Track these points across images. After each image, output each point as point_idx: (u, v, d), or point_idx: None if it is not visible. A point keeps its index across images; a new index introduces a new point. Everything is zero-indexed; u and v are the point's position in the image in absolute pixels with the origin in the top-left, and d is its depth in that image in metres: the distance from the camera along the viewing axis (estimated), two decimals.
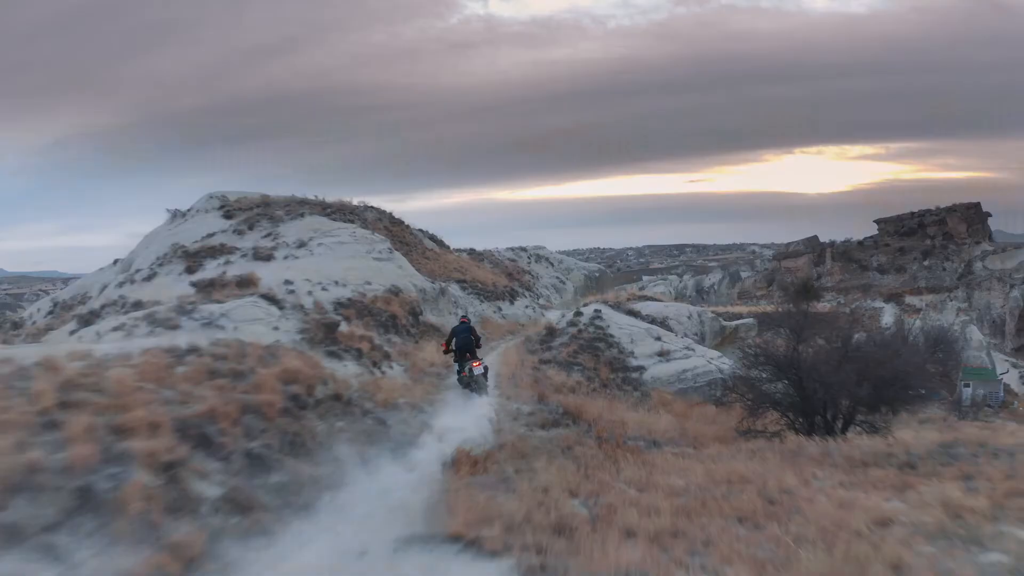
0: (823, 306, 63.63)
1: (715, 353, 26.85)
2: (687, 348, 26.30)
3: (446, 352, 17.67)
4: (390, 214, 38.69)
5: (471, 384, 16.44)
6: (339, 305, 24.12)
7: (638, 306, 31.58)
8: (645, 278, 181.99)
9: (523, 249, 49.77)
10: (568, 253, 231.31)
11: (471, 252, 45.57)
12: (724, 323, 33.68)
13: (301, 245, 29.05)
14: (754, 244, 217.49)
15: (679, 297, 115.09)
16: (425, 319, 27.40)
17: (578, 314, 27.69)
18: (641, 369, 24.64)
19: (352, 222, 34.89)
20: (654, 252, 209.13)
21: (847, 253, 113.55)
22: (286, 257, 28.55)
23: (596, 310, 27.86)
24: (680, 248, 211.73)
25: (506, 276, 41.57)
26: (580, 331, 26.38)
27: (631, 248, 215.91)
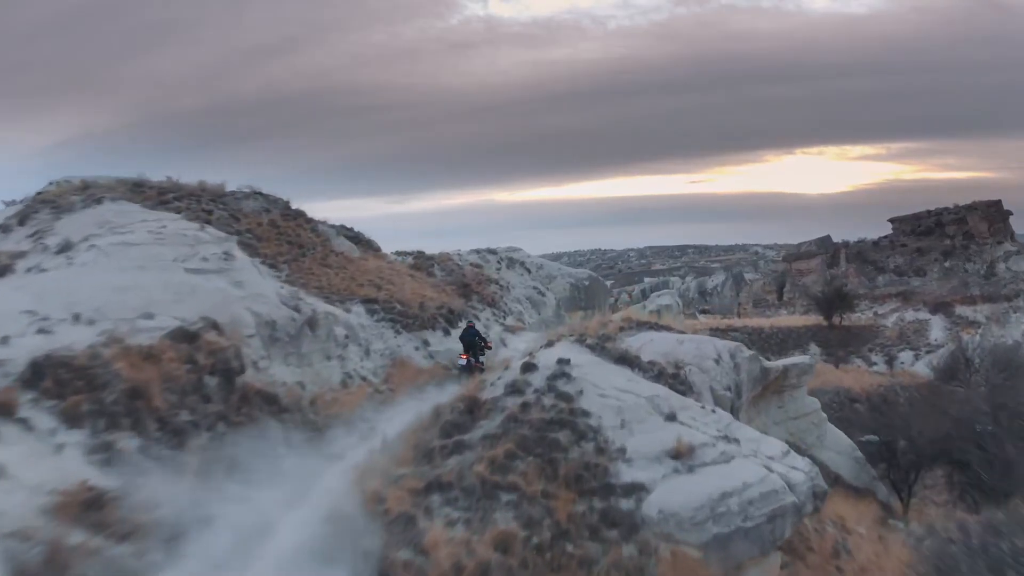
0: (858, 317, 50.38)
1: (777, 446, 13.77)
2: (724, 437, 13.24)
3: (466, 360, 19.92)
4: (286, 203, 25.76)
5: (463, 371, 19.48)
6: (34, 369, 11.31)
7: (636, 342, 18.60)
8: (647, 280, 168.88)
9: (492, 252, 36.80)
10: (569, 254, 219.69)
11: (418, 256, 32.61)
12: (766, 364, 20.56)
13: (65, 248, 16.18)
14: (757, 245, 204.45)
15: (688, 306, 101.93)
16: (256, 380, 14.49)
17: (528, 369, 14.62)
18: (638, 492, 11.61)
19: (211, 213, 22.03)
20: (656, 253, 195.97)
21: (862, 254, 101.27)
22: (30, 269, 15.71)
23: (561, 360, 14.81)
24: (682, 249, 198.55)
25: (458, 290, 28.63)
26: (526, 406, 13.33)
27: (632, 249, 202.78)
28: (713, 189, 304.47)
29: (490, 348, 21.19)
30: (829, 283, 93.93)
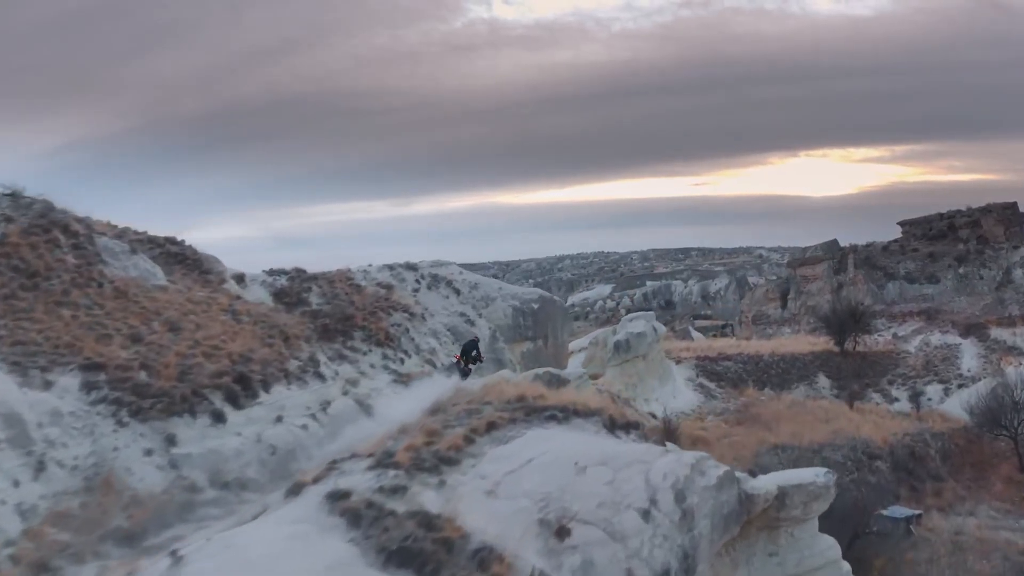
0: (875, 341, 40.48)
1: None
2: None
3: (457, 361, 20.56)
4: (45, 207, 16.55)
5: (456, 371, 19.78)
6: None
7: (499, 466, 9.29)
8: (650, 283, 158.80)
9: (411, 267, 27.44)
10: (572, 257, 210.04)
11: (294, 277, 23.35)
12: (749, 488, 11.02)
13: None
14: (760, 247, 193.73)
15: (690, 310, 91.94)
16: None
17: None
18: None
19: None
20: (659, 256, 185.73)
21: (870, 259, 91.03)
22: None
23: None
24: (685, 252, 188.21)
25: (330, 326, 19.52)
26: None
27: (636, 252, 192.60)
28: (717, 191, 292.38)
29: (481, 362, 21.29)
30: (836, 291, 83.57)
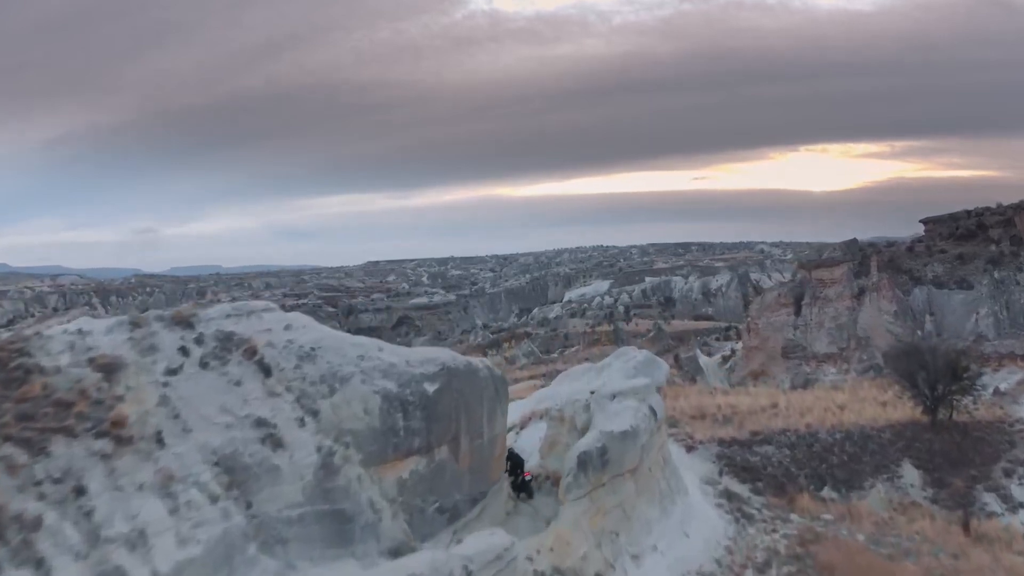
0: (975, 407, 26.09)
1: None
2: None
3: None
4: None
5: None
6: None
7: None
8: (648, 279, 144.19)
9: (180, 323, 13.14)
10: (571, 251, 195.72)
11: None
12: None
13: None
14: (762, 243, 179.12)
15: (692, 308, 77.90)
16: None
17: None
18: None
19: None
20: (658, 251, 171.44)
21: (894, 261, 77.57)
22: None
23: None
24: (685, 246, 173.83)
25: None
26: None
27: (635, 246, 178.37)
28: (717, 186, 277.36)
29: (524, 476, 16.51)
30: (858, 296, 70.43)
